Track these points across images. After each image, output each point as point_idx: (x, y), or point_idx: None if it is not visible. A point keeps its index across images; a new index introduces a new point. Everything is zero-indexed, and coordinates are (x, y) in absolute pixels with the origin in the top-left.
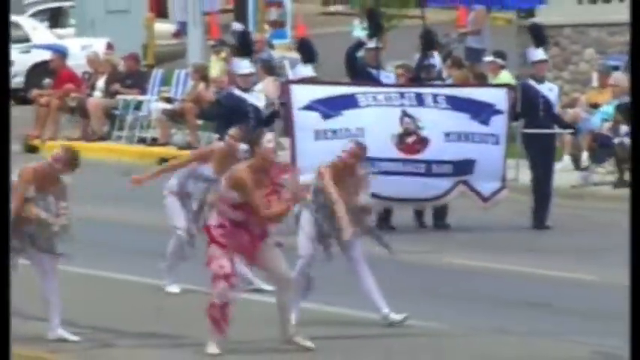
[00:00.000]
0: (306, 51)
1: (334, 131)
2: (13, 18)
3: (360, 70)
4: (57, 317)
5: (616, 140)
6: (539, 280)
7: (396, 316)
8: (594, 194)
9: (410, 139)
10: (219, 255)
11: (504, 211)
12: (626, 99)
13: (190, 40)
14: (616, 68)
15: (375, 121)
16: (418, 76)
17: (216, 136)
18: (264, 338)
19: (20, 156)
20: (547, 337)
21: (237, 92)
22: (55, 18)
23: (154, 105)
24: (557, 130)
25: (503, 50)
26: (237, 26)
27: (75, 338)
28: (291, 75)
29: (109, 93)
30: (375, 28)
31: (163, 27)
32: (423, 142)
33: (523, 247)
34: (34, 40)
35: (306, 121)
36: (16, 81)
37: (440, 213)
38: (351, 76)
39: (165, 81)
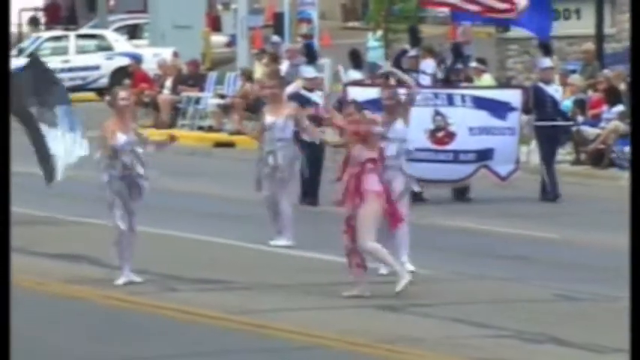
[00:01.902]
0: (356, 59)
1: None
2: (100, 31)
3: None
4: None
5: (574, 128)
6: (514, 237)
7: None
8: (557, 170)
9: (440, 134)
10: None
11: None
12: (581, 95)
13: (239, 49)
14: (573, 71)
15: (413, 118)
16: (448, 78)
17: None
18: (299, 283)
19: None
20: (518, 282)
21: (303, 92)
22: (133, 32)
23: (210, 100)
24: (561, 122)
25: (485, 58)
26: (275, 39)
27: (140, 279)
28: (344, 78)
29: (175, 91)
30: (415, 40)
31: (218, 39)
32: (450, 135)
33: (504, 212)
34: (117, 50)
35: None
36: (102, 82)
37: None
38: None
39: (219, 81)
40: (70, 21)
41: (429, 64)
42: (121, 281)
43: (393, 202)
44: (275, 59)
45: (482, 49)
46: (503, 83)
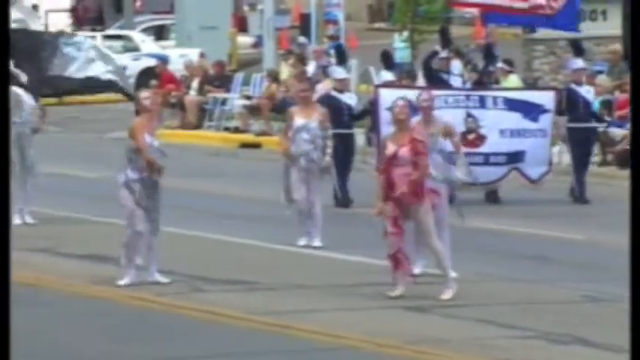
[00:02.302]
0: (387, 60)
1: None
2: (127, 32)
3: (434, 75)
4: (154, 265)
5: (600, 129)
6: (539, 238)
7: None
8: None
9: (471, 136)
10: None
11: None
12: (608, 96)
13: (265, 50)
14: (600, 72)
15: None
16: (482, 80)
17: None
18: (324, 283)
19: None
20: (544, 284)
21: (334, 93)
22: (160, 33)
23: (237, 101)
24: (594, 124)
25: (511, 59)
26: (301, 40)
27: (167, 280)
28: (375, 80)
29: (201, 92)
30: (445, 42)
31: (244, 39)
32: (481, 138)
33: (530, 213)
34: (143, 51)
35: (390, 120)
36: (129, 82)
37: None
38: (427, 81)
39: (246, 82)
40: (97, 22)
41: (455, 66)
42: (124, 282)
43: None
44: (302, 60)
45: (509, 50)
46: (531, 84)
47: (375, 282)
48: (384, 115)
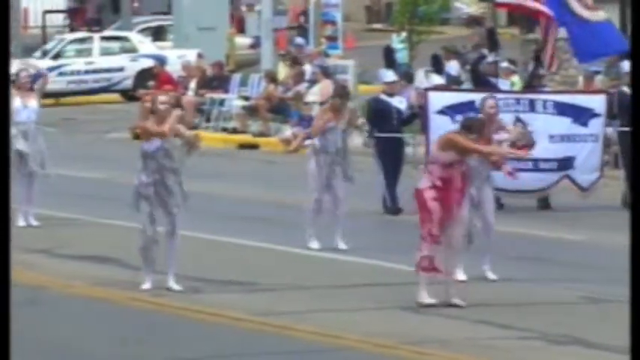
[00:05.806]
0: (437, 64)
1: None
2: (125, 33)
3: (482, 79)
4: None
5: None
6: (538, 239)
7: None
8: None
9: (520, 142)
10: (429, 220)
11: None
12: None
13: (263, 50)
14: (597, 73)
15: None
16: (531, 83)
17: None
18: (323, 285)
19: (129, 142)
20: (543, 284)
21: (383, 97)
22: (157, 34)
23: (235, 102)
24: None
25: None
26: (299, 40)
27: (179, 288)
28: (425, 83)
29: (199, 92)
30: (493, 45)
31: (242, 40)
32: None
33: (532, 215)
34: (141, 51)
35: (439, 123)
36: (126, 83)
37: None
38: (475, 84)
39: (244, 83)
40: (95, 23)
41: (452, 66)
42: (146, 286)
43: None
44: (298, 61)
45: (507, 50)
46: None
47: (373, 283)
48: (433, 120)
